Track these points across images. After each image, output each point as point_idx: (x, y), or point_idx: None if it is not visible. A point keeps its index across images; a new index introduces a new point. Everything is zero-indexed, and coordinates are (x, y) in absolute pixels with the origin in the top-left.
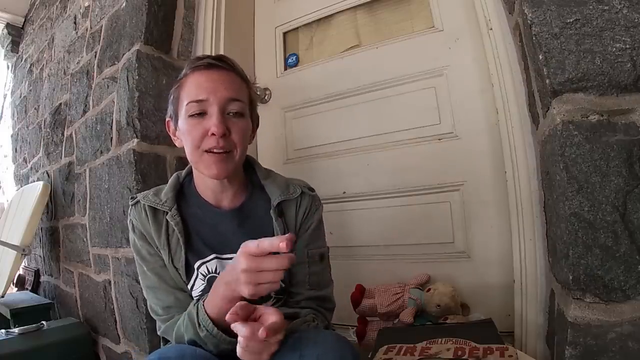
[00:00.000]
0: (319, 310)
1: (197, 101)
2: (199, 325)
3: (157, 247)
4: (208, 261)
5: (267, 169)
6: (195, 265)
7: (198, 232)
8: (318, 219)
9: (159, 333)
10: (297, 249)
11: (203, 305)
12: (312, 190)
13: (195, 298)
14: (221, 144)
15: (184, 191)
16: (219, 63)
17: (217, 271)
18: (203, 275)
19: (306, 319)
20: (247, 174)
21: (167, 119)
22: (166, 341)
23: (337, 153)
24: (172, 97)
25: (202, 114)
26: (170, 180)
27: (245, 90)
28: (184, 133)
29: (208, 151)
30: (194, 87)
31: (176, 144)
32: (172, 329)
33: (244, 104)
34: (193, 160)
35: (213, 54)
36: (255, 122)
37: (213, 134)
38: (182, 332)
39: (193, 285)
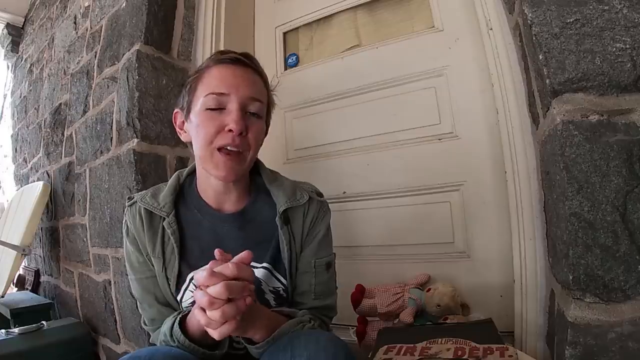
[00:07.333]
0: (320, 319)
1: (218, 94)
2: (172, 336)
3: (147, 255)
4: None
5: (274, 172)
6: (188, 277)
7: (195, 238)
8: (326, 226)
9: (150, 341)
10: (303, 258)
11: (181, 318)
12: (321, 195)
13: (185, 309)
14: (237, 142)
15: (183, 193)
16: (245, 60)
17: None
18: (195, 286)
19: (302, 319)
20: (251, 176)
21: (175, 110)
22: None
23: (337, 153)
24: (188, 86)
25: (220, 109)
26: (170, 181)
27: (266, 93)
28: (197, 126)
29: (221, 149)
30: (216, 80)
31: (181, 138)
32: (157, 339)
33: (263, 105)
34: (202, 157)
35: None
36: (267, 128)
37: (230, 130)
38: (162, 340)
39: (182, 296)
